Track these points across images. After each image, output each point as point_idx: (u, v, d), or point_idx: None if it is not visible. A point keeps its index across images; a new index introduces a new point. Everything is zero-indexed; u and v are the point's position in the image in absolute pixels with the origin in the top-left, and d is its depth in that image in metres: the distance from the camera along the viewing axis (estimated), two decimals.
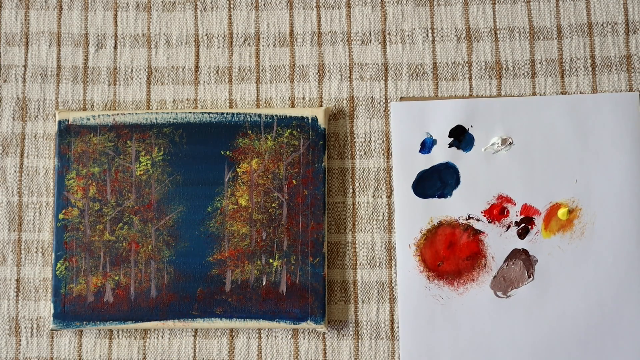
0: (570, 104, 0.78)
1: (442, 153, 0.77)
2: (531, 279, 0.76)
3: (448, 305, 0.76)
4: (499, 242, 0.77)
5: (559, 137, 0.77)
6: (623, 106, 0.77)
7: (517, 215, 0.77)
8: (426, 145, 0.78)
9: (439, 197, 0.77)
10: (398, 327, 0.76)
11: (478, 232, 0.77)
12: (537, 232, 0.76)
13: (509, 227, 0.77)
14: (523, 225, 0.77)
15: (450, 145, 0.78)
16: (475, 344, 0.75)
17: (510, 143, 0.77)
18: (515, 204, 0.77)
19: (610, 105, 0.77)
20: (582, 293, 0.75)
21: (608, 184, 0.76)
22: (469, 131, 0.78)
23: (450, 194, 0.77)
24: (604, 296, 0.75)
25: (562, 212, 0.76)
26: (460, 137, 0.78)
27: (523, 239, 0.76)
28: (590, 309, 0.75)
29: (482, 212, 0.77)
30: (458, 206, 0.77)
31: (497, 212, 0.77)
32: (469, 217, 0.77)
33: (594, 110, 0.78)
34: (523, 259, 0.76)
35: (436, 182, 0.77)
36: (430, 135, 0.78)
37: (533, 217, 0.77)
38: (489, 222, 0.77)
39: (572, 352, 0.75)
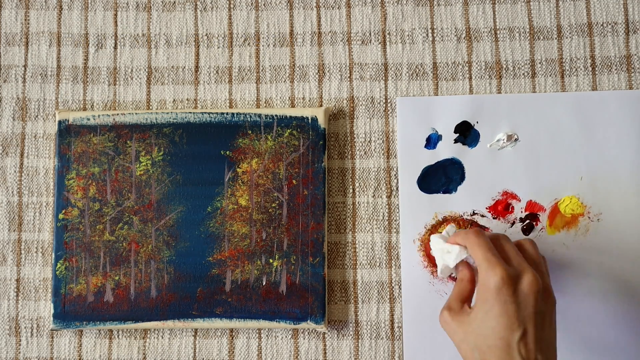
0: (576, 101, 0.78)
1: (447, 149, 0.77)
2: None
3: None
4: None
5: (564, 134, 0.77)
6: (629, 104, 0.77)
7: (521, 212, 0.77)
8: (431, 141, 0.78)
9: (443, 192, 0.77)
10: (398, 326, 0.76)
11: (483, 228, 0.77)
12: (541, 228, 0.76)
13: (513, 223, 0.77)
14: (528, 221, 0.77)
15: (456, 141, 0.78)
16: None
17: (516, 139, 0.77)
18: (520, 200, 0.77)
19: (616, 103, 0.77)
20: (586, 290, 0.75)
21: (613, 181, 0.76)
22: (475, 127, 0.78)
23: (455, 190, 0.77)
24: (608, 293, 0.75)
25: (566, 209, 0.76)
26: (466, 133, 0.78)
27: (528, 235, 0.76)
28: (594, 306, 0.75)
29: (486, 208, 0.77)
30: (463, 202, 0.77)
31: (501, 208, 0.77)
32: (474, 213, 0.77)
33: (599, 107, 0.78)
34: None
35: (441, 177, 0.77)
36: (436, 131, 0.78)
37: (538, 213, 0.77)
38: (494, 218, 0.77)
39: (575, 349, 0.74)
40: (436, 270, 0.76)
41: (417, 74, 0.79)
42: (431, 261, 0.76)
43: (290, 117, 0.77)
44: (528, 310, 0.61)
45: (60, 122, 0.77)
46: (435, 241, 0.71)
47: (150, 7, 0.81)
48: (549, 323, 0.63)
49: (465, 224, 0.76)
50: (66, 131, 0.77)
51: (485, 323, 0.62)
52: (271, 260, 0.75)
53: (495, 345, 0.61)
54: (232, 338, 0.77)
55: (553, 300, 0.64)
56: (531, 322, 0.61)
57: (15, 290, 0.77)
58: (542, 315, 0.62)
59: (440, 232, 0.73)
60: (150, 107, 0.79)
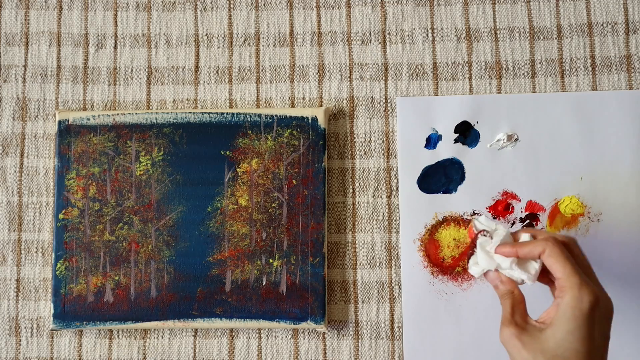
0: (576, 101, 0.78)
1: (447, 149, 0.78)
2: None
3: (452, 300, 0.76)
4: None
5: (564, 134, 0.77)
6: (628, 104, 0.77)
7: (521, 212, 0.77)
8: (432, 141, 0.78)
9: (443, 192, 0.77)
10: (398, 326, 0.76)
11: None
12: (541, 228, 0.76)
13: (513, 223, 0.77)
14: (528, 221, 0.77)
15: (456, 141, 0.78)
16: (479, 339, 0.75)
17: (516, 139, 0.77)
18: (520, 200, 0.77)
19: (616, 103, 0.77)
20: None
21: (613, 181, 0.76)
22: (475, 127, 0.78)
23: (455, 190, 0.77)
24: (608, 293, 0.75)
25: (566, 209, 0.76)
26: (466, 133, 0.78)
27: None
28: None
29: (486, 208, 0.77)
30: (463, 202, 0.77)
31: (501, 208, 0.77)
32: (474, 213, 0.77)
33: (599, 107, 0.78)
34: None
35: (441, 177, 0.77)
36: (436, 131, 0.78)
37: (538, 213, 0.77)
38: (494, 218, 0.77)
39: None
40: (436, 270, 0.76)
41: (417, 74, 0.79)
42: (432, 261, 0.76)
43: (290, 117, 0.77)
44: (605, 334, 0.58)
45: (60, 122, 0.77)
46: (485, 241, 0.65)
47: (150, 7, 0.81)
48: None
49: (465, 224, 0.76)
50: (66, 131, 0.77)
51: (567, 344, 0.57)
52: (271, 260, 0.75)
53: None
54: (232, 338, 0.76)
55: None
56: (606, 349, 0.58)
57: (15, 290, 0.77)
58: (608, 341, 0.59)
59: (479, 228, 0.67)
60: (150, 107, 0.79)
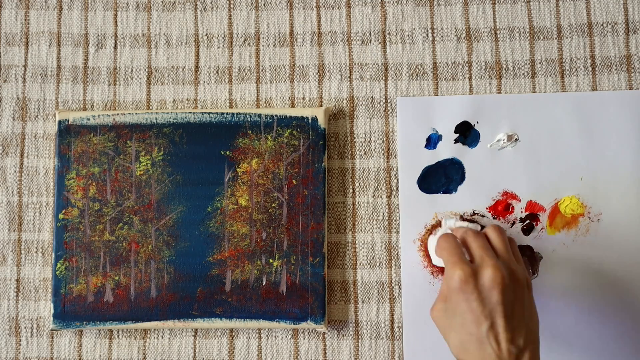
0: (576, 102, 0.78)
1: (447, 149, 0.77)
2: (535, 275, 0.76)
3: None
4: None
5: (564, 134, 0.77)
6: (629, 104, 0.77)
7: (521, 212, 0.77)
8: (432, 141, 0.78)
9: (444, 192, 0.77)
10: (398, 326, 0.76)
11: (483, 228, 0.76)
12: (541, 228, 0.76)
13: (513, 223, 0.77)
14: (528, 221, 0.77)
15: (456, 141, 0.78)
16: None
17: (516, 139, 0.77)
18: (520, 201, 0.77)
19: (616, 103, 0.77)
20: (587, 290, 0.75)
21: (613, 181, 0.76)
22: (475, 127, 0.78)
23: (455, 190, 0.77)
24: (608, 294, 0.75)
25: (566, 209, 0.76)
26: (466, 133, 0.78)
27: (528, 235, 0.76)
28: (594, 306, 0.75)
29: (486, 208, 0.77)
30: (463, 202, 0.77)
31: (501, 208, 0.77)
32: (474, 213, 0.77)
33: (599, 107, 0.78)
34: (527, 256, 0.76)
35: (441, 177, 0.77)
36: (436, 131, 0.78)
37: (538, 213, 0.77)
38: (494, 218, 0.77)
39: (576, 349, 0.74)
40: (436, 270, 0.76)
41: (417, 74, 0.79)
42: (431, 261, 0.76)
43: (290, 117, 0.77)
44: (492, 303, 0.62)
45: (60, 122, 0.77)
46: (432, 239, 0.74)
47: (150, 7, 0.81)
48: (520, 309, 0.63)
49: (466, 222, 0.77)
50: (66, 131, 0.77)
51: (454, 320, 0.64)
52: (271, 260, 0.75)
53: (467, 340, 0.62)
54: (232, 338, 0.77)
55: (523, 284, 0.64)
56: (499, 314, 0.62)
57: (15, 290, 0.77)
58: (511, 305, 0.62)
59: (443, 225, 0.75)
60: (150, 107, 0.79)
